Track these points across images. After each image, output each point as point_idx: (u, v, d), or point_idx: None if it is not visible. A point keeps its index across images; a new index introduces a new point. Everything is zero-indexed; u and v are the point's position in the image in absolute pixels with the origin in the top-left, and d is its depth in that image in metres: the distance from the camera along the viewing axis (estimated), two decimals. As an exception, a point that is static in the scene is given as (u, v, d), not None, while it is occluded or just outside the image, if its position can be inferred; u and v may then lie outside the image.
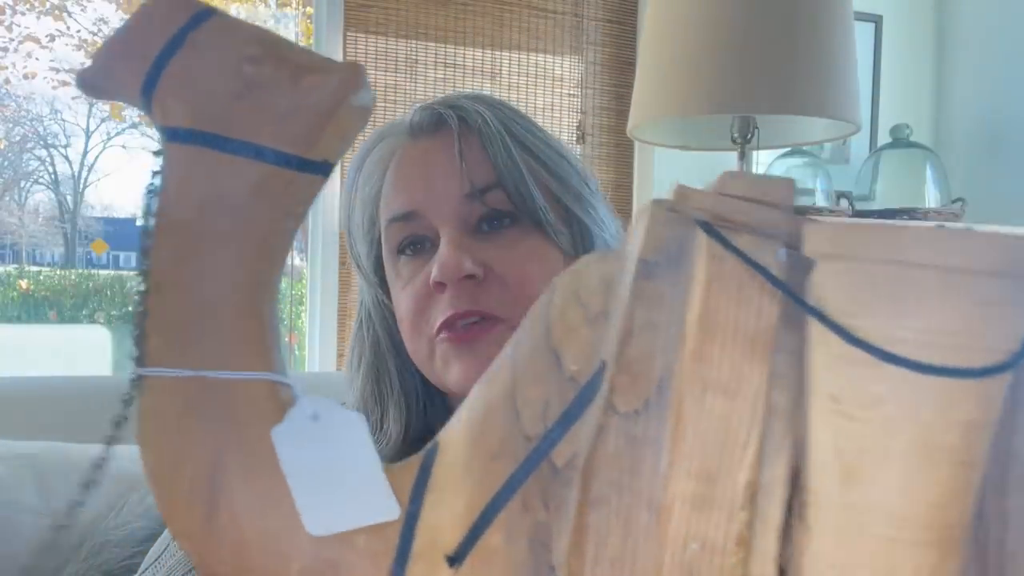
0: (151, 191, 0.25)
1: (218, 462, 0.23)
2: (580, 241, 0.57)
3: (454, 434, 0.24)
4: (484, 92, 0.60)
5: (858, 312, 0.19)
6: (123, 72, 0.25)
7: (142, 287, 0.25)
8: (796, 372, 0.21)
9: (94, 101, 4.77)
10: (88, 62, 0.26)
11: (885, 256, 0.19)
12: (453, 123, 0.55)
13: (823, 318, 0.20)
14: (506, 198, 0.54)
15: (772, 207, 0.22)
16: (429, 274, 0.53)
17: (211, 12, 0.25)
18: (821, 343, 0.20)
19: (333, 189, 2.22)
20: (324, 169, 0.25)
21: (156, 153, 0.25)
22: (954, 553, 0.19)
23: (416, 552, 0.23)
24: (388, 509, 0.23)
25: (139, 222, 0.25)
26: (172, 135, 0.24)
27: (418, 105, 0.59)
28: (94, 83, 0.26)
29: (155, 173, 0.25)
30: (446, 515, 0.23)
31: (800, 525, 0.20)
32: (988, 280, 0.18)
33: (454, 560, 0.22)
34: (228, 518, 0.23)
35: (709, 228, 0.21)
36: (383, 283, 0.60)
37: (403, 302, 0.56)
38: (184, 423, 0.24)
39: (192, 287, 0.24)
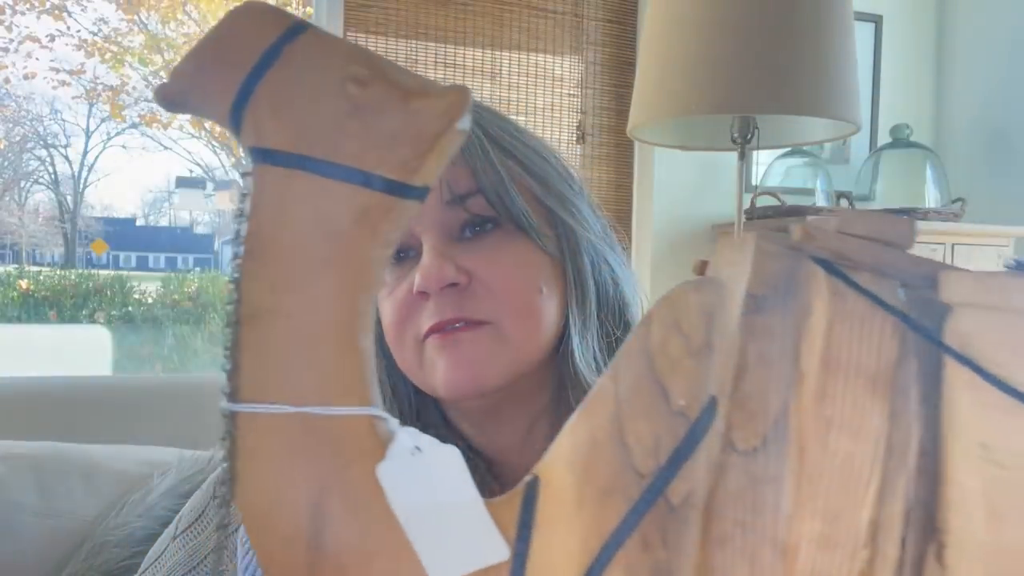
0: (241, 215, 0.23)
1: (321, 503, 0.22)
2: (565, 242, 0.56)
3: (557, 468, 0.23)
4: None
5: (1011, 362, 0.20)
6: (212, 86, 0.23)
7: (233, 317, 0.23)
8: (910, 410, 0.21)
9: (94, 101, 4.76)
10: (166, 77, 0.24)
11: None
12: None
13: (977, 367, 0.20)
14: (487, 203, 0.53)
15: (893, 247, 0.22)
16: (412, 282, 0.52)
17: (307, 25, 0.23)
18: (967, 390, 0.20)
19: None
20: (422, 194, 0.24)
21: (244, 175, 0.24)
22: None
23: None
24: (498, 549, 0.22)
25: (232, 249, 0.25)
26: (267, 156, 0.23)
27: None
28: (178, 98, 0.24)
29: (244, 196, 0.23)
30: (559, 554, 0.22)
31: (937, 565, 0.20)
32: None
33: None
34: (333, 563, 0.22)
35: (830, 266, 0.22)
36: None
37: (387, 311, 0.55)
38: (283, 463, 0.23)
39: (290, 317, 0.23)
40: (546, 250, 0.54)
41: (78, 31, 4.40)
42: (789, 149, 2.11)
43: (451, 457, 0.23)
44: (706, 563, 0.21)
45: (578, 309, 0.55)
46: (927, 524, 0.21)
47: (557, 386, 0.55)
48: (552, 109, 2.38)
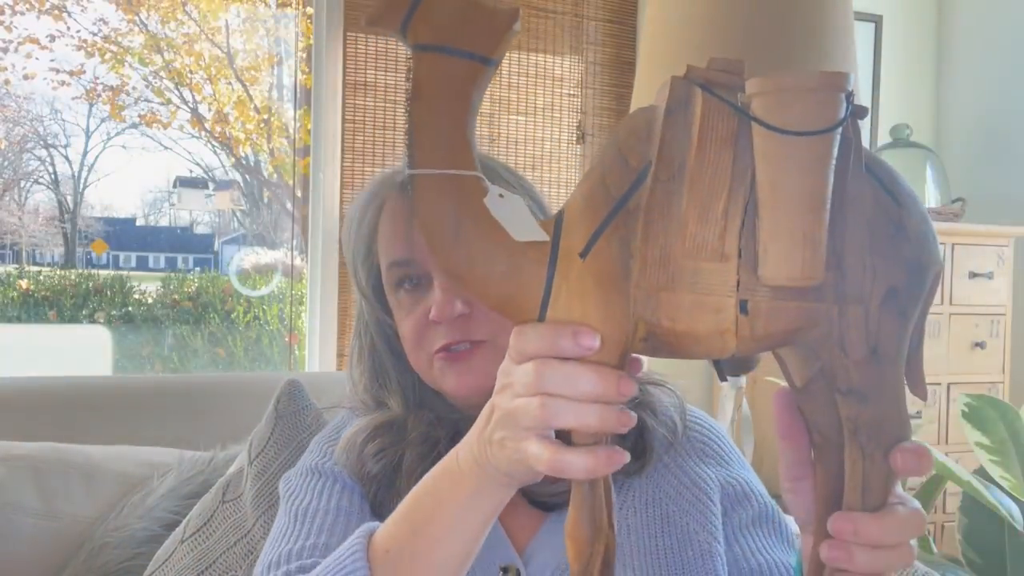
0: (408, 80, 0.44)
1: (458, 216, 0.44)
2: None
3: (572, 202, 0.45)
4: None
5: (771, 116, 0.41)
6: (392, 14, 0.44)
7: (407, 128, 0.44)
8: (746, 157, 0.42)
9: (94, 101, 4.76)
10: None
11: (776, 88, 0.41)
12: None
13: (755, 119, 0.42)
14: None
15: (736, 73, 0.43)
16: (427, 308, 0.71)
17: None
18: (759, 135, 0.42)
19: (334, 194, 2.23)
20: (496, 63, 0.45)
21: (409, 58, 0.44)
22: (823, 208, 0.42)
23: (560, 256, 0.44)
24: (543, 235, 0.44)
25: (405, 103, 0.45)
26: (422, 48, 0.44)
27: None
28: (374, 21, 0.44)
29: (409, 70, 0.44)
30: (575, 238, 0.44)
31: (757, 218, 0.43)
32: (816, 91, 0.41)
33: (583, 254, 0.43)
34: (464, 244, 0.44)
35: (704, 86, 0.43)
36: (381, 301, 0.77)
37: (406, 328, 0.74)
38: (437, 198, 0.44)
39: (436, 125, 0.44)
40: None
41: (78, 31, 4.40)
42: (789, 149, 2.11)
43: (518, 200, 0.45)
44: (645, 234, 0.43)
45: None
46: (757, 212, 0.43)
47: None
48: (552, 109, 2.38)
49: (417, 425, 0.73)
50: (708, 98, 0.42)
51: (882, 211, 0.44)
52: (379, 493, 0.71)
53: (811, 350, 0.44)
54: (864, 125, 1.69)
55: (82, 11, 4.38)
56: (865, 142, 0.46)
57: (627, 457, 0.44)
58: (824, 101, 0.41)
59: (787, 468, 0.50)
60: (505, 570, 0.68)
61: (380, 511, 0.70)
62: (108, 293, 5.37)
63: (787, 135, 0.41)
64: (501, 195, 0.45)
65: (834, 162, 0.41)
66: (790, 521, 0.77)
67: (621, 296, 0.43)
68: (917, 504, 0.47)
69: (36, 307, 5.27)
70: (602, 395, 0.43)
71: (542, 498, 0.71)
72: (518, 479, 0.50)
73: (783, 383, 0.48)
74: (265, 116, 4.44)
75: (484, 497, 0.51)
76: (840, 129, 0.41)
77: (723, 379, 0.64)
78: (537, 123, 2.37)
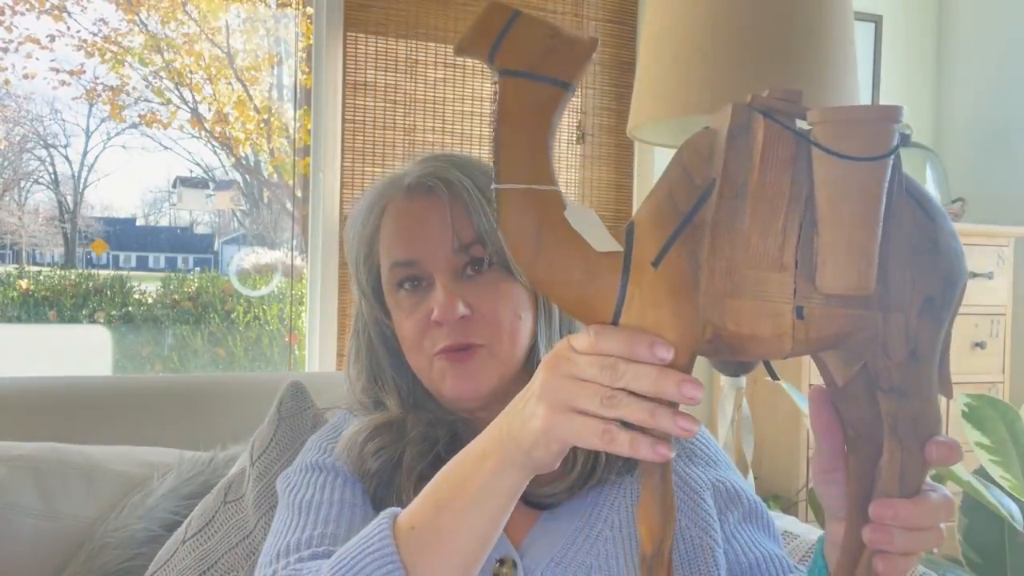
0: (494, 102, 0.48)
1: (540, 228, 0.48)
2: None
3: (641, 216, 0.48)
4: (465, 155, 0.80)
5: (833, 143, 0.46)
6: (480, 44, 0.47)
7: (494, 146, 0.48)
8: (802, 178, 0.47)
9: (94, 101, 4.77)
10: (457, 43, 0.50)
11: (838, 119, 0.46)
12: (443, 194, 0.76)
13: (819, 145, 0.46)
14: (483, 249, 0.74)
15: (795, 102, 0.47)
16: (428, 309, 0.74)
17: (521, 12, 0.48)
18: (819, 160, 0.46)
19: (334, 194, 2.23)
20: (574, 88, 0.49)
21: (495, 83, 0.48)
22: (877, 226, 0.46)
23: (633, 266, 0.47)
24: (615, 246, 0.48)
25: (491, 119, 0.49)
26: (508, 73, 0.47)
27: (412, 165, 0.80)
28: (463, 48, 0.48)
29: (495, 94, 0.48)
30: (646, 248, 0.47)
31: (816, 234, 0.47)
32: (875, 123, 0.45)
33: (655, 263, 0.47)
34: (545, 253, 0.48)
35: (766, 113, 0.46)
36: (380, 302, 0.80)
37: (406, 329, 0.76)
38: (521, 212, 0.48)
39: (520, 146, 0.48)
40: (524, 283, 0.75)
41: (78, 31, 4.40)
42: (789, 149, 2.10)
43: (590, 212, 0.49)
44: (712, 244, 0.47)
45: (545, 326, 0.78)
46: (812, 227, 0.47)
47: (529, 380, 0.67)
48: (552, 109, 2.38)
49: (416, 424, 0.76)
50: (770, 124, 0.46)
51: (919, 228, 0.48)
52: (379, 490, 0.73)
53: (855, 352, 0.48)
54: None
55: (82, 11, 4.38)
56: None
57: (672, 452, 0.47)
58: (882, 131, 0.45)
59: (821, 460, 0.55)
60: (501, 562, 0.69)
61: (380, 508, 0.71)
62: (108, 293, 5.37)
63: (849, 160, 0.45)
64: (579, 208, 0.49)
65: (887, 184, 0.46)
66: (778, 518, 0.79)
67: (691, 305, 0.47)
68: (947, 491, 0.51)
69: (36, 307, 5.27)
70: (666, 396, 0.46)
71: (536, 498, 0.74)
72: (537, 460, 0.52)
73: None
74: (265, 116, 4.44)
75: (503, 477, 0.54)
76: (894, 155, 0.46)
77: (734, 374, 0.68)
78: (537, 123, 2.37)
